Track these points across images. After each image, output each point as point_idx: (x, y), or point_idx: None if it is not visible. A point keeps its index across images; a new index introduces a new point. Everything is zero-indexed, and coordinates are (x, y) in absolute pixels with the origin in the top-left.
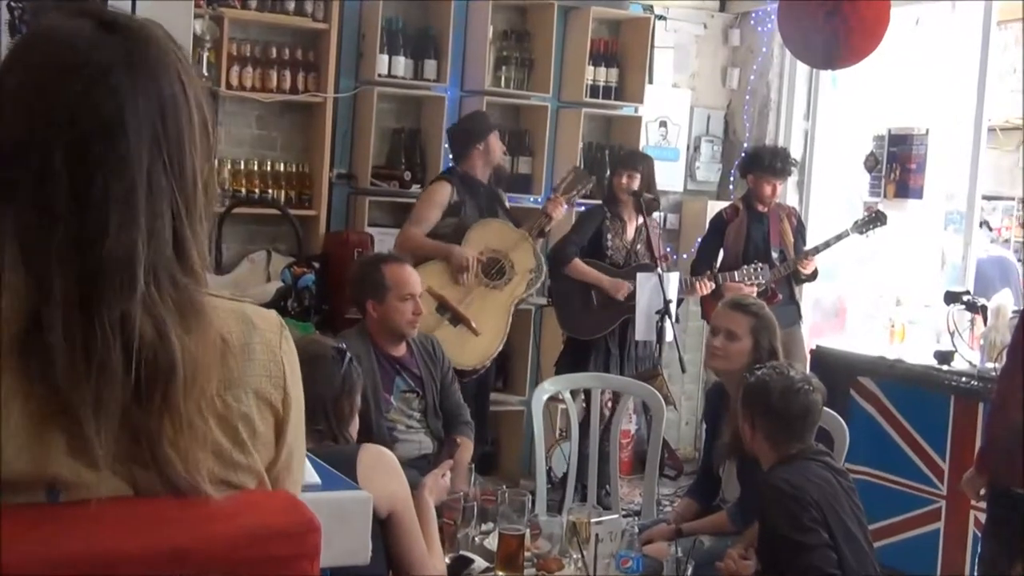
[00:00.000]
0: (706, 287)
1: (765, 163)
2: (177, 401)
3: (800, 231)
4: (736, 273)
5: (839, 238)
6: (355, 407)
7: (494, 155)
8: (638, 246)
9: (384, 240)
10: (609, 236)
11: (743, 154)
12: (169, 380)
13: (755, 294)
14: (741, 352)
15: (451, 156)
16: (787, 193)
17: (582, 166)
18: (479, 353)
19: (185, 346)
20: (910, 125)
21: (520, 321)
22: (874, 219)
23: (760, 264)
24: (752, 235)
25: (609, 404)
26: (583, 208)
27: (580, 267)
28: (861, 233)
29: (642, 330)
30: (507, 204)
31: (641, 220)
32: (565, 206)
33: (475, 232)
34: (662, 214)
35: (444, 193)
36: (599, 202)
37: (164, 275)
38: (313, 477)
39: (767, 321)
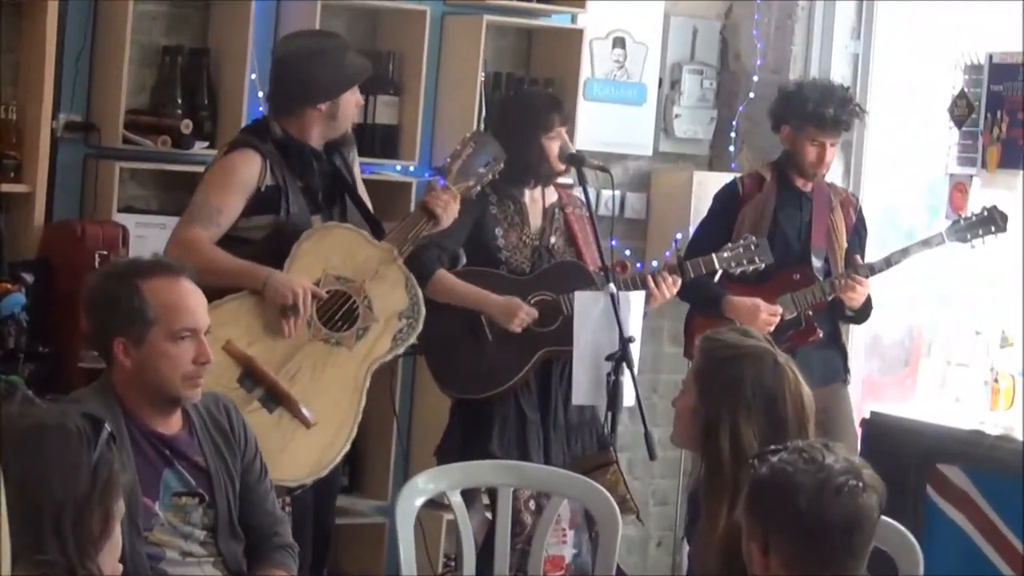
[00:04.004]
0: (667, 287)
1: (810, 107)
2: None
3: (859, 230)
4: (715, 258)
5: (924, 247)
6: (112, 520)
7: (345, 118)
8: (551, 239)
9: (146, 237)
10: (498, 231)
11: (780, 94)
12: None
13: (774, 323)
14: (683, 413)
15: (264, 102)
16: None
17: (482, 123)
18: (312, 457)
19: None
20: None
21: (376, 380)
22: (987, 221)
23: (756, 240)
24: (781, 225)
25: (528, 512)
26: None
27: (448, 283)
28: (964, 241)
29: (583, 387)
30: (362, 191)
31: (556, 198)
32: (458, 203)
33: (309, 246)
34: (615, 193)
35: (250, 169)
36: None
37: None
38: None
39: (724, 362)
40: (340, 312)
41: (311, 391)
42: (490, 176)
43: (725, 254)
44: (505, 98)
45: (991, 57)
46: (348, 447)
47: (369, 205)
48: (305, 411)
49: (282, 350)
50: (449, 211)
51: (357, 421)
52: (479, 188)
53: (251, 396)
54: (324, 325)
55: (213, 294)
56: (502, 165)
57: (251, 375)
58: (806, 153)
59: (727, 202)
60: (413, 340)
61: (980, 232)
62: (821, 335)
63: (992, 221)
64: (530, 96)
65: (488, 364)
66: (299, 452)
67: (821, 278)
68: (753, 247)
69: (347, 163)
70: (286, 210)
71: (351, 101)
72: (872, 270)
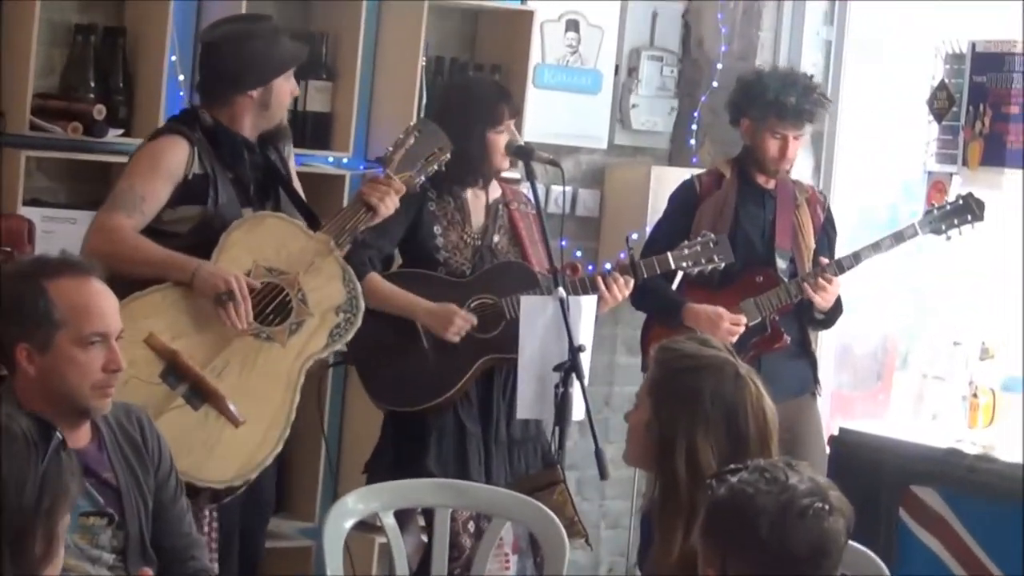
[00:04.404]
0: (619, 289)
1: (771, 96)
2: None
3: (828, 229)
4: (670, 257)
5: (896, 241)
6: (56, 541)
7: (279, 107)
8: (494, 238)
9: (55, 232)
10: (437, 229)
11: (739, 83)
12: None
13: (738, 332)
14: (637, 429)
15: (185, 88)
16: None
17: (422, 113)
18: (240, 457)
19: None
20: (1009, 37)
21: (302, 392)
22: (962, 210)
23: (714, 237)
24: (743, 224)
25: (467, 535)
26: None
27: (378, 288)
28: (939, 232)
29: (528, 400)
30: (298, 187)
31: (499, 193)
32: (400, 193)
33: (239, 236)
34: (566, 189)
35: (177, 156)
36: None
37: None
38: None
39: (680, 373)
40: (272, 306)
41: (240, 388)
42: (435, 166)
43: (681, 252)
44: (447, 85)
45: (974, 45)
46: (280, 447)
47: (305, 200)
48: (233, 408)
49: (209, 345)
50: (388, 202)
51: (290, 420)
52: (423, 179)
53: (175, 392)
54: (255, 319)
55: (135, 286)
56: (448, 155)
57: (175, 370)
58: (767, 147)
59: (684, 201)
60: (351, 336)
61: (956, 222)
62: (788, 341)
63: (968, 210)
64: (476, 85)
65: (424, 373)
66: (227, 452)
67: (786, 280)
68: (712, 244)
69: (282, 157)
70: (214, 200)
71: (285, 89)
72: (841, 267)
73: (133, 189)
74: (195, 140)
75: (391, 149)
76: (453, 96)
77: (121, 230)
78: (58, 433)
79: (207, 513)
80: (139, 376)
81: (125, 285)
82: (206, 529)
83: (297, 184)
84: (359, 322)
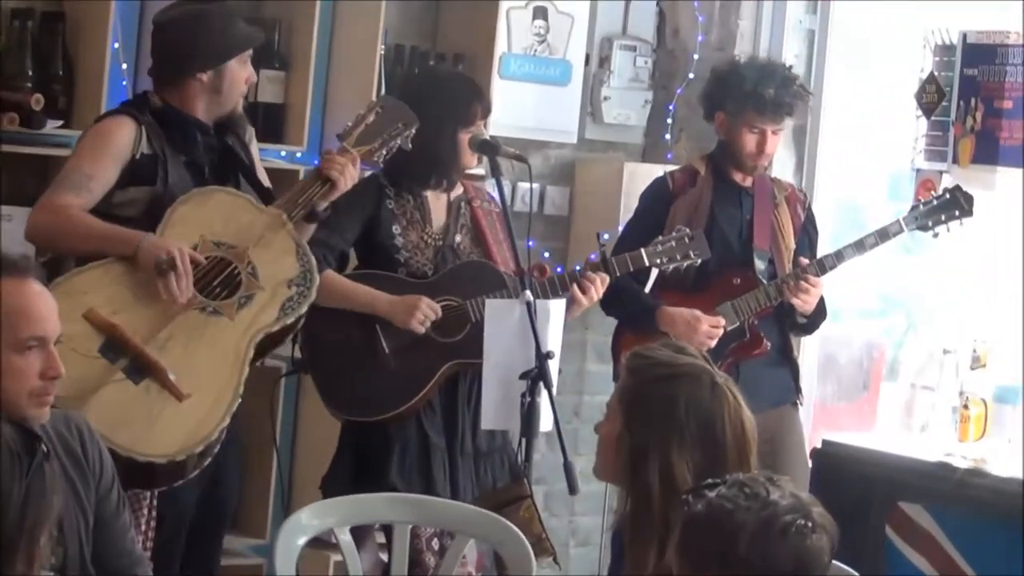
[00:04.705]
0: (596, 289)
1: (748, 88)
2: None
3: (808, 229)
4: (643, 253)
5: (880, 239)
6: (35, 563)
7: (232, 92)
8: (456, 238)
9: None
10: (396, 228)
11: (714, 74)
12: None
13: (717, 336)
14: (607, 441)
15: (138, 79)
16: (777, 155)
17: (376, 93)
18: (184, 431)
19: None
20: (1002, 28)
21: (252, 399)
22: (949, 204)
23: (690, 232)
24: (719, 223)
25: (431, 552)
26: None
27: (333, 283)
28: (926, 229)
29: (493, 410)
30: (261, 173)
31: (461, 191)
32: (360, 165)
33: (186, 211)
34: (534, 186)
35: (124, 135)
36: (369, 170)
37: None
38: None
39: (654, 383)
40: (219, 279)
41: (184, 362)
42: (398, 142)
43: (655, 248)
44: (413, 78)
45: (965, 36)
46: (227, 421)
47: (269, 188)
48: (174, 378)
49: (152, 319)
50: (347, 174)
51: (238, 394)
52: (385, 153)
53: (115, 367)
54: (201, 292)
55: (77, 261)
56: (413, 131)
57: (114, 344)
58: (744, 142)
59: (656, 200)
60: (304, 310)
61: (943, 218)
62: (768, 347)
63: (956, 204)
64: (447, 80)
65: (385, 381)
66: (170, 426)
67: (765, 282)
68: (688, 240)
69: (242, 142)
70: (164, 180)
71: (239, 74)
72: (823, 268)
73: (80, 169)
74: (143, 121)
75: (349, 124)
76: (421, 91)
77: (68, 208)
78: (43, 446)
79: (147, 497)
80: (77, 350)
81: (70, 260)
82: (145, 513)
83: (263, 174)
84: (313, 295)
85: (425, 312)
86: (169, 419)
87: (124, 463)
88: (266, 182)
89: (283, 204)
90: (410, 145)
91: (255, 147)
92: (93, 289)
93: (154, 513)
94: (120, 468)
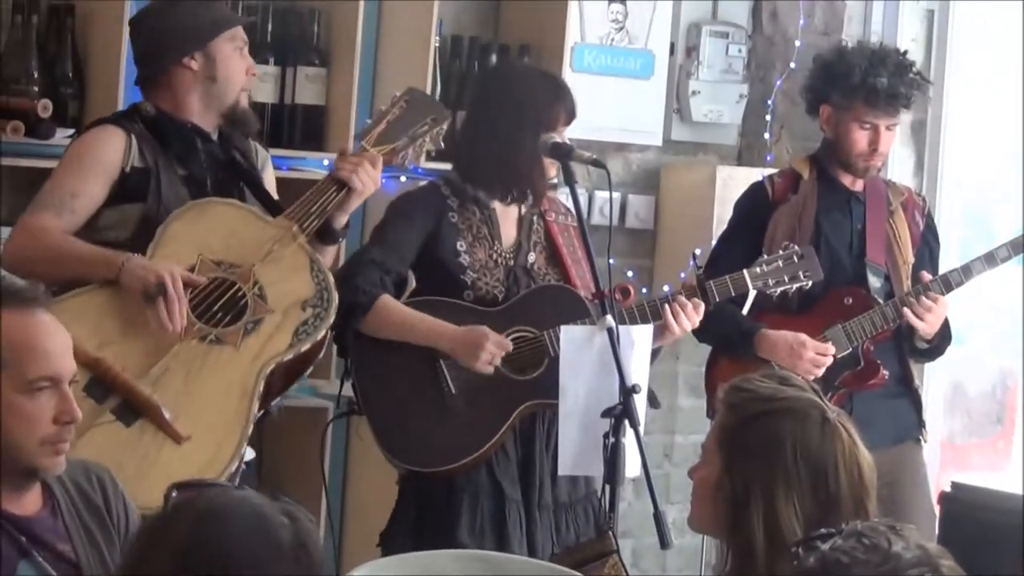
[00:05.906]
0: (688, 316)
1: (857, 77)
2: None
3: (929, 240)
4: (747, 275)
5: (1014, 251)
6: None
7: (228, 79)
8: (529, 257)
9: None
10: (460, 245)
11: (817, 63)
12: None
13: (825, 364)
14: (704, 487)
15: (136, 85)
16: (892, 154)
17: (431, 92)
18: (184, 478)
19: None
20: None
21: (300, 445)
22: None
23: (799, 249)
24: (826, 235)
25: None
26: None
27: (392, 312)
28: None
29: (571, 453)
30: (271, 183)
31: (536, 205)
32: (379, 168)
33: (179, 228)
34: (614, 195)
35: (111, 146)
36: (431, 179)
37: None
38: None
39: (756, 420)
40: (220, 303)
41: (183, 399)
42: (427, 140)
43: (760, 269)
44: (488, 74)
45: None
46: (235, 464)
47: (276, 200)
48: (171, 419)
49: (144, 352)
50: (363, 176)
51: (247, 434)
52: (411, 152)
53: (103, 407)
54: (200, 318)
55: (63, 287)
56: (445, 127)
57: (101, 381)
58: (854, 140)
59: (753, 210)
60: (322, 335)
61: None
62: (886, 377)
63: None
64: (523, 78)
65: (451, 425)
66: (167, 472)
67: (881, 301)
68: (796, 259)
69: (242, 150)
70: (156, 196)
71: (234, 60)
72: (948, 285)
73: (62, 186)
74: (134, 130)
75: (369, 122)
76: (493, 91)
77: (48, 231)
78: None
79: None
80: None
81: (57, 287)
82: None
83: (271, 184)
84: (331, 317)
85: (492, 351)
86: (166, 465)
87: None
88: (273, 191)
89: (293, 214)
90: (442, 144)
91: (270, 172)
92: (74, 320)
93: None
94: None
